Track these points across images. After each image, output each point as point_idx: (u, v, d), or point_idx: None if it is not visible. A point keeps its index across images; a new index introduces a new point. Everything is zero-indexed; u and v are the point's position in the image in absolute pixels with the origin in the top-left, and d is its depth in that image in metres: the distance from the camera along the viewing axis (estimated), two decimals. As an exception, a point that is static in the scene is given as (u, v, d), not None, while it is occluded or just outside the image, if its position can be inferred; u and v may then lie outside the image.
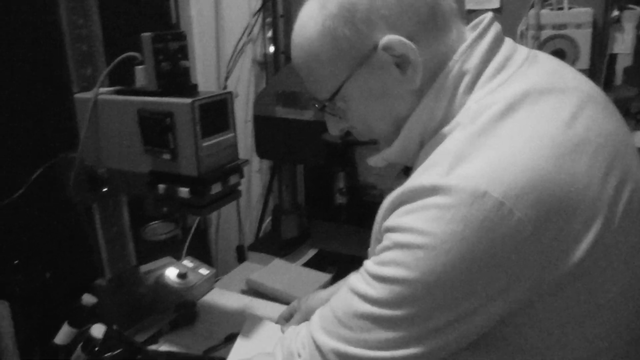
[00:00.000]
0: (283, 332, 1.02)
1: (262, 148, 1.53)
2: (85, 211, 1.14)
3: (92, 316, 1.09)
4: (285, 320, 1.14)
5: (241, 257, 1.75)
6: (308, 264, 1.52)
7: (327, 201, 1.71)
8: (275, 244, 1.61)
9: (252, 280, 1.38)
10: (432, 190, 0.61)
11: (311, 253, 1.61)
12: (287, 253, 1.56)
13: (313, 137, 1.41)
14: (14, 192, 1.11)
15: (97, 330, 0.97)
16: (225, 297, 1.34)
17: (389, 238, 0.65)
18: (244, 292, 1.40)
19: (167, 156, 0.92)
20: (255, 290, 1.38)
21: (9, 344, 1.08)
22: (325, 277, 1.39)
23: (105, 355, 0.96)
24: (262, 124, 1.50)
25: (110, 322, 1.04)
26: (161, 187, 0.96)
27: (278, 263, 1.47)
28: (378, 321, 0.65)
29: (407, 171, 0.81)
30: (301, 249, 1.61)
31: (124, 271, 1.18)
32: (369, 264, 0.68)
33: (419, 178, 0.64)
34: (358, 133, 0.80)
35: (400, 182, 0.68)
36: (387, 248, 0.65)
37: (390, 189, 0.70)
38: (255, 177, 1.79)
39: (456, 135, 0.66)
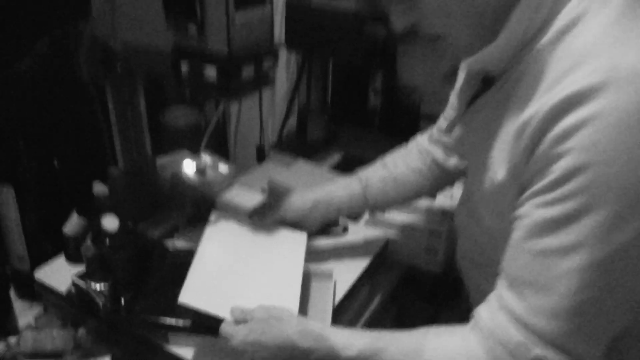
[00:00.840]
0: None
1: (293, 38, 1.37)
2: (97, 92, 1.02)
3: (103, 207, 1.01)
4: (256, 215, 1.02)
5: (261, 157, 1.64)
6: (334, 168, 1.42)
7: (356, 104, 1.58)
8: (299, 145, 1.50)
9: (273, 182, 1.28)
10: (597, 91, 0.51)
11: (336, 157, 1.50)
12: (312, 155, 1.45)
13: (352, 30, 1.25)
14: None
15: (109, 223, 0.88)
16: (246, 197, 1.25)
17: (556, 168, 0.55)
18: (264, 192, 1.31)
19: (193, 29, 0.78)
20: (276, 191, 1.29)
21: (15, 231, 1.00)
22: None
23: (118, 249, 0.88)
24: (296, 10, 1.33)
25: (122, 214, 0.96)
26: (185, 65, 0.83)
27: (302, 165, 1.36)
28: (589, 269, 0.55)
29: (487, 82, 0.70)
30: (326, 153, 1.50)
31: (138, 161, 1.08)
32: (535, 214, 0.57)
33: (568, 86, 0.53)
34: (427, 27, 0.67)
35: (449, 87, 0.56)
36: (559, 181, 0.55)
37: (434, 94, 0.58)
38: (281, 72, 1.64)
39: (590, 25, 0.55)
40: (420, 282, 1.29)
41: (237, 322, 0.74)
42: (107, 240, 0.88)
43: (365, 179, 0.98)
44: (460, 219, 0.84)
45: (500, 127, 0.65)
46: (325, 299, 0.92)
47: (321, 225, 1.12)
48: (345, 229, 1.13)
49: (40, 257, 1.03)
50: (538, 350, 0.57)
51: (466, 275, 0.87)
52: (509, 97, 0.64)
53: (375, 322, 1.10)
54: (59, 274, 0.97)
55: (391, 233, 1.15)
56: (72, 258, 1.00)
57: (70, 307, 0.87)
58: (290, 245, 0.96)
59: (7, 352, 0.91)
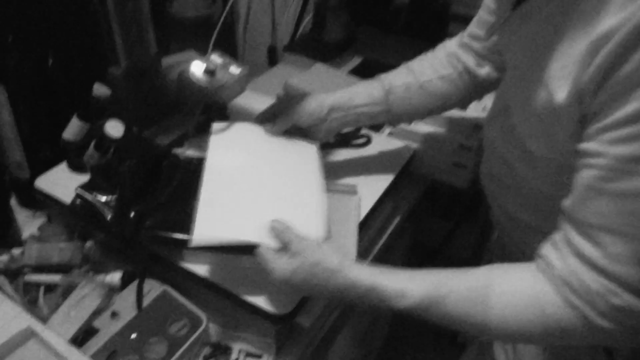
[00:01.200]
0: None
1: None
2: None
3: (105, 110, 0.91)
4: (267, 116, 0.90)
5: (273, 60, 1.53)
6: (352, 73, 1.30)
7: (379, 2, 1.43)
8: (315, 46, 1.37)
9: (291, 85, 1.18)
10: None
11: (356, 61, 1.38)
12: (330, 58, 1.33)
13: None
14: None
15: (113, 128, 0.80)
16: (259, 102, 1.15)
17: None
18: (279, 97, 1.21)
19: None
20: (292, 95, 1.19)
21: (10, 135, 0.92)
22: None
23: (124, 157, 0.80)
24: None
25: (126, 118, 0.87)
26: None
27: (320, 68, 1.25)
28: None
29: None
30: (345, 56, 1.38)
31: (142, 60, 0.97)
32: (610, 152, 0.49)
33: None
34: None
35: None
36: None
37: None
38: (294, -38, 1.47)
39: None
40: (439, 198, 1.23)
41: (280, 241, 0.67)
42: (112, 148, 0.80)
43: (389, 84, 0.86)
44: (491, 135, 0.76)
45: (561, 40, 0.55)
46: (350, 216, 0.86)
47: (338, 133, 1.03)
48: (368, 140, 1.05)
49: (41, 164, 0.96)
50: (618, 300, 0.51)
51: (490, 193, 0.80)
52: (572, 2, 0.53)
53: (394, 240, 1.04)
54: (61, 182, 0.89)
55: (417, 145, 1.06)
56: (75, 166, 0.92)
57: (76, 220, 0.80)
58: (304, 158, 0.85)
59: (11, 264, 0.86)
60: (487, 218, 0.89)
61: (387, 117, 0.88)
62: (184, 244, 0.75)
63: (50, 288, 0.83)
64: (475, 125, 1.03)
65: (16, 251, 0.87)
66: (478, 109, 1.07)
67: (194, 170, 0.88)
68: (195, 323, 0.77)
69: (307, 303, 0.77)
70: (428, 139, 1.05)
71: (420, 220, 1.27)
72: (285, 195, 0.76)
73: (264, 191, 0.76)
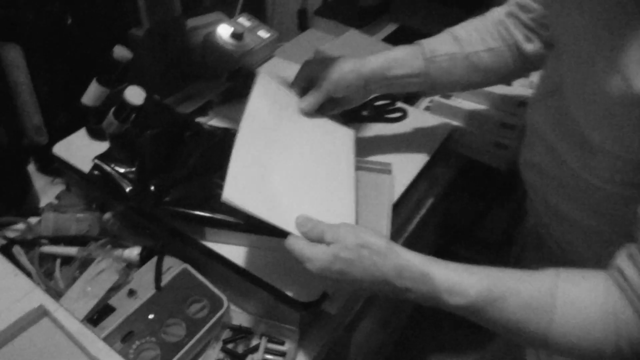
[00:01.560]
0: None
1: None
2: None
3: (126, 75, 0.86)
4: (301, 84, 0.81)
5: (303, 24, 1.45)
6: (386, 40, 1.22)
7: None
8: (348, 11, 1.29)
9: (321, 52, 1.11)
10: None
11: (391, 28, 1.30)
12: (363, 24, 1.25)
13: None
14: None
15: (133, 95, 0.74)
16: (288, 69, 1.09)
17: None
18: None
19: None
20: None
21: (28, 98, 0.87)
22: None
23: (144, 126, 0.75)
24: None
25: (148, 84, 0.81)
26: None
27: (354, 34, 1.17)
28: None
29: None
30: (379, 22, 1.30)
31: (166, 21, 0.91)
32: None
33: None
34: None
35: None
36: None
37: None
38: None
39: None
40: (473, 176, 1.16)
41: (312, 240, 0.60)
42: (132, 115, 0.75)
43: (431, 52, 0.78)
44: (537, 119, 0.68)
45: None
46: (383, 196, 0.80)
47: (372, 106, 0.97)
48: (403, 115, 0.98)
49: (60, 130, 0.91)
50: None
51: (529, 182, 0.73)
52: None
53: (426, 220, 0.99)
54: (80, 150, 0.85)
55: (456, 122, 0.99)
56: (94, 133, 0.88)
57: (94, 191, 0.76)
58: (339, 142, 0.79)
59: (27, 234, 0.83)
60: (522, 203, 0.82)
61: (424, 87, 0.81)
62: (205, 221, 0.71)
63: (67, 261, 0.80)
64: (520, 103, 0.95)
65: (33, 220, 0.84)
66: (525, 84, 0.99)
67: (218, 141, 0.83)
68: (215, 304, 0.73)
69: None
70: (468, 115, 0.98)
71: (452, 198, 1.20)
72: (316, 181, 0.70)
73: (295, 170, 0.70)
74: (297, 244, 0.59)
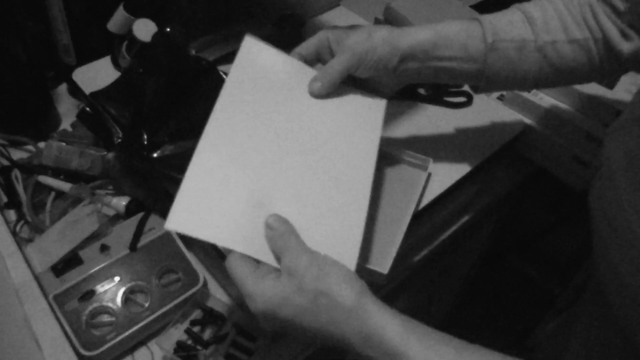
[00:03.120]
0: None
1: None
2: None
3: (156, 4, 0.77)
4: (305, 55, 0.60)
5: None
6: (481, 7, 1.03)
7: None
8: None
9: (392, 9, 0.95)
10: None
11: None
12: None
13: None
14: None
15: (141, 29, 0.65)
16: (349, 23, 0.95)
17: None
18: (377, 22, 0.99)
19: None
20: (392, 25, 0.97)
21: (56, 14, 0.81)
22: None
23: (149, 67, 0.66)
24: None
25: (184, 18, 0.72)
26: None
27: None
28: None
29: None
30: (477, -17, 1.10)
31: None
32: None
33: None
34: None
35: None
36: None
37: None
38: None
39: None
40: (548, 186, 0.98)
41: (273, 251, 0.46)
42: (137, 53, 0.66)
43: (494, 35, 0.58)
44: (612, 149, 0.50)
45: None
46: (409, 197, 0.66)
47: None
48: (468, 101, 0.81)
49: (90, 54, 0.85)
50: None
51: (597, 231, 0.54)
52: None
53: (473, 224, 0.84)
54: (99, 78, 0.78)
55: (530, 120, 0.81)
56: (118, 63, 0.81)
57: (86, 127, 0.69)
58: (360, 125, 0.58)
59: (33, 158, 0.78)
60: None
61: (476, 79, 0.61)
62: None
63: (61, 195, 0.75)
64: (618, 112, 0.75)
65: (42, 145, 0.80)
66: (631, 89, 0.78)
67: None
68: (190, 280, 0.65)
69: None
70: (546, 115, 0.79)
71: (515, 205, 1.03)
72: (312, 191, 0.52)
73: (282, 177, 0.51)
74: (238, 271, 0.45)
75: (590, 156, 0.76)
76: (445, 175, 0.71)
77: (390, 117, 0.69)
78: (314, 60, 0.60)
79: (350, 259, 0.48)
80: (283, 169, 0.52)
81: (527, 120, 0.80)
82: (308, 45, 0.59)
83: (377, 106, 0.60)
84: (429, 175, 0.70)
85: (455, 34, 0.59)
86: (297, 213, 0.49)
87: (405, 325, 0.42)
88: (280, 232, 0.47)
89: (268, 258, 0.46)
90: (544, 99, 0.79)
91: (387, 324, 0.41)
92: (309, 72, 0.59)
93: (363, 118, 0.59)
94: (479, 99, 0.82)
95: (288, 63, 0.59)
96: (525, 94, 0.80)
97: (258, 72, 0.56)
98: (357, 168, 0.55)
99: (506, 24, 0.58)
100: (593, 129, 0.75)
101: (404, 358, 0.40)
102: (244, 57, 0.56)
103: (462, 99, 0.81)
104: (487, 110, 0.81)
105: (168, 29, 0.67)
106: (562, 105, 0.78)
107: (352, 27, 0.61)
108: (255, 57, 0.57)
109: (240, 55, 0.56)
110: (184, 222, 0.45)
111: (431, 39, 0.58)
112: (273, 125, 0.54)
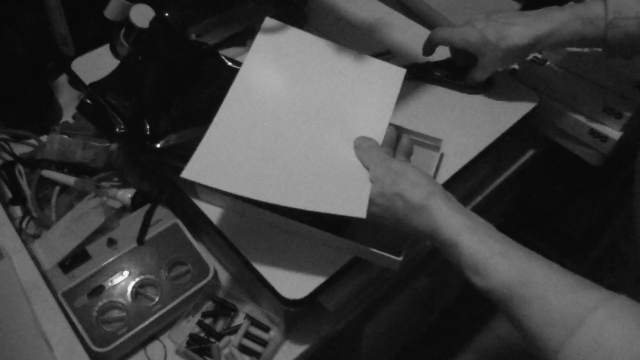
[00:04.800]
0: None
1: None
2: None
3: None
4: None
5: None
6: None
7: None
8: None
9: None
10: None
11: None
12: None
13: None
14: None
15: (139, 15, 0.63)
16: (356, 5, 0.91)
17: None
18: (382, -1, 0.96)
19: None
20: (398, 0, 0.93)
21: (54, 7, 0.79)
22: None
23: (148, 54, 0.64)
24: None
25: (177, 2, 0.69)
26: None
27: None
28: None
29: None
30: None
31: None
32: None
33: None
34: None
35: None
36: None
37: None
38: None
39: None
40: (562, 160, 0.95)
41: None
42: (136, 40, 0.63)
43: (615, 12, 0.61)
44: None
45: None
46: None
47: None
48: (489, 83, 0.78)
49: (88, 43, 0.83)
50: None
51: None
52: None
53: (489, 202, 0.82)
54: (98, 68, 0.76)
55: (546, 95, 0.78)
56: (116, 52, 0.79)
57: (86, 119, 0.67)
58: (376, 93, 0.62)
59: (36, 152, 0.77)
60: (617, 200, 0.63)
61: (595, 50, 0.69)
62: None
63: (66, 189, 0.74)
64: (637, 83, 0.72)
65: (45, 138, 0.78)
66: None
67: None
68: (201, 272, 0.64)
69: (334, 284, 0.60)
70: (561, 88, 0.76)
71: (528, 180, 1.01)
72: (324, 152, 0.56)
73: (298, 138, 0.56)
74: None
75: (609, 130, 0.73)
76: (459, 154, 0.69)
77: (402, 97, 0.68)
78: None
79: (360, 209, 0.52)
80: (298, 132, 0.56)
81: (541, 95, 0.77)
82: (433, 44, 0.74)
83: (396, 74, 0.63)
84: (442, 155, 0.68)
85: (571, 18, 0.64)
86: (310, 165, 0.54)
87: (464, 222, 0.48)
88: (364, 148, 0.56)
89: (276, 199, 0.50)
90: (558, 72, 0.76)
91: (448, 219, 0.48)
92: (327, 46, 0.63)
93: (381, 85, 0.62)
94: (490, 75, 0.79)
95: (306, 39, 0.62)
96: (539, 67, 0.77)
97: (278, 48, 0.60)
98: (370, 130, 0.58)
99: (632, 2, 0.61)
100: (611, 101, 0.72)
101: (457, 247, 0.47)
102: (263, 35, 0.60)
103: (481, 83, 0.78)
104: (500, 86, 0.78)
105: (166, 14, 0.65)
106: (578, 78, 0.75)
107: (471, 27, 0.69)
108: (274, 35, 0.61)
109: (260, 34, 0.60)
110: (199, 172, 0.50)
111: (547, 26, 0.65)
112: (291, 93, 0.58)
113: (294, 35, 0.62)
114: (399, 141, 0.59)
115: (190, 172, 0.50)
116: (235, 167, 0.51)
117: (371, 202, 0.52)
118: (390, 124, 0.59)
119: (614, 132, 0.73)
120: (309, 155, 0.55)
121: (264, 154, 0.53)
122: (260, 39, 0.60)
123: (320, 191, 0.52)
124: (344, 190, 0.53)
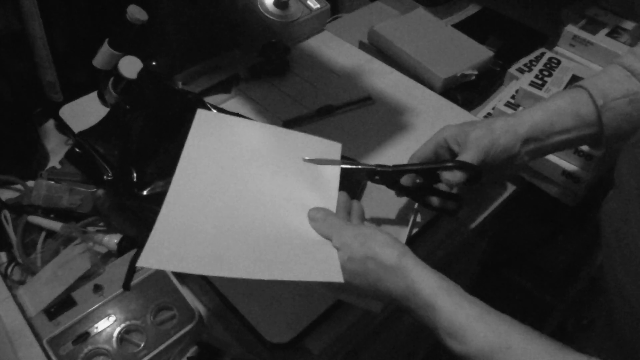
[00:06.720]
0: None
1: None
2: None
3: (145, 37, 0.77)
4: (424, 159, 0.65)
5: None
6: (463, 25, 1.04)
7: None
8: (424, -16, 1.12)
9: (376, 32, 0.96)
10: None
11: (472, 9, 1.11)
12: (438, 2, 1.07)
13: None
14: None
15: (127, 66, 0.65)
16: (335, 48, 0.95)
17: None
18: (362, 46, 1.00)
19: None
20: (377, 48, 0.97)
21: (42, 52, 0.81)
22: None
23: (136, 104, 0.66)
24: None
25: (163, 51, 0.72)
26: None
27: (420, 14, 1.01)
28: None
29: None
30: (457, 1, 1.11)
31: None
32: None
33: None
34: None
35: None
36: None
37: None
38: None
39: None
40: (540, 199, 0.98)
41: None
42: (124, 90, 0.66)
43: (603, 96, 0.61)
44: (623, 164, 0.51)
45: None
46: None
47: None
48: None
49: (76, 90, 0.85)
50: None
51: (609, 248, 0.55)
52: None
53: (470, 242, 0.84)
54: (86, 115, 0.78)
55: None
56: (104, 99, 0.81)
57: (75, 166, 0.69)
58: (321, 171, 0.62)
59: (23, 198, 0.78)
60: (595, 237, 0.65)
61: (593, 142, 0.65)
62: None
63: (52, 235, 0.74)
64: (606, 126, 0.76)
65: (31, 184, 0.79)
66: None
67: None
68: (186, 317, 0.64)
69: (319, 327, 0.61)
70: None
71: (508, 220, 1.03)
72: (282, 226, 0.55)
73: (253, 215, 0.55)
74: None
75: (581, 172, 0.76)
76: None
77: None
78: (434, 156, 0.65)
79: (335, 274, 0.50)
80: (252, 209, 0.55)
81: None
82: (425, 149, 0.65)
83: (334, 149, 0.64)
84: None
85: (566, 106, 0.63)
86: (273, 238, 0.52)
87: (439, 283, 0.48)
88: (319, 219, 0.54)
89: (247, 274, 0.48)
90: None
91: (423, 280, 0.48)
92: (263, 128, 0.63)
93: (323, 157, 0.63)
94: (463, 118, 0.82)
95: (241, 124, 0.63)
96: (510, 111, 0.81)
97: (213, 138, 0.59)
98: (321, 199, 0.58)
99: (610, 82, 0.61)
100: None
101: (434, 309, 0.47)
102: (197, 128, 0.59)
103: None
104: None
105: (154, 63, 0.67)
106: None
107: (466, 123, 0.65)
108: (209, 125, 0.60)
109: (194, 126, 0.59)
110: (157, 258, 0.47)
111: (547, 118, 0.63)
112: (233, 178, 0.57)
113: (229, 122, 0.62)
114: (352, 206, 0.59)
115: (148, 258, 0.47)
116: (196, 247, 0.49)
117: (342, 269, 0.51)
118: (340, 191, 0.59)
119: (585, 174, 0.76)
120: (267, 229, 0.53)
121: (222, 230, 0.51)
122: (194, 130, 0.59)
123: (290, 261, 0.50)
124: (312, 259, 0.51)
